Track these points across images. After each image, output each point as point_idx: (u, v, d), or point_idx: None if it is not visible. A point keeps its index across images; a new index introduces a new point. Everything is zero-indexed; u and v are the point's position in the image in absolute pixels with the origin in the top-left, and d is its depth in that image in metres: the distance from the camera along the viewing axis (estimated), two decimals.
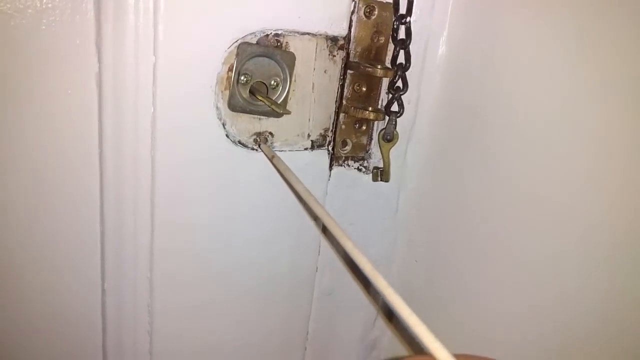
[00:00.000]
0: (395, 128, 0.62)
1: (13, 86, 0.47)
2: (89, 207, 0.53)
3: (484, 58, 0.59)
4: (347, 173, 0.65)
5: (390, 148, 0.63)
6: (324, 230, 0.67)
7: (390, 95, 0.61)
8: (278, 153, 0.58)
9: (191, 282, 0.59)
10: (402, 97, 0.60)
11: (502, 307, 0.63)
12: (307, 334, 0.72)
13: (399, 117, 0.61)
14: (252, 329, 0.67)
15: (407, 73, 0.60)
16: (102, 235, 0.54)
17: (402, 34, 0.59)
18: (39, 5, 0.45)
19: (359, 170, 0.66)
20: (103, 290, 0.57)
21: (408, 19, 0.57)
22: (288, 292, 0.67)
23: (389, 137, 0.62)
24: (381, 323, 0.77)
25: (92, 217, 0.53)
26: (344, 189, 0.66)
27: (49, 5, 0.45)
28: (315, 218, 0.65)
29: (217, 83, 0.52)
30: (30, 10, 0.45)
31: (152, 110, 0.50)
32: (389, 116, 0.61)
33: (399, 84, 0.60)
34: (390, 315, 0.76)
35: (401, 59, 0.59)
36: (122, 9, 0.47)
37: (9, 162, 0.49)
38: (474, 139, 0.61)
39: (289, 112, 0.52)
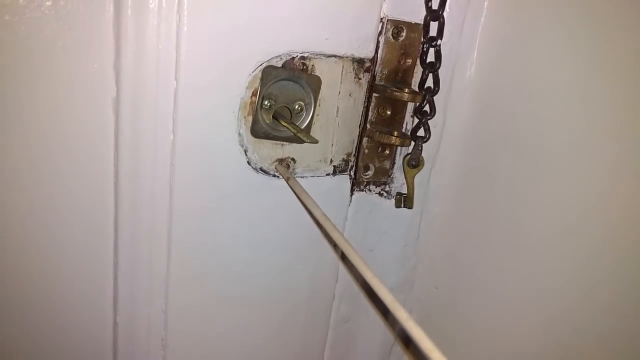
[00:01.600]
0: (421, 153, 0.59)
1: (27, 111, 0.44)
2: (103, 237, 0.50)
3: (516, 81, 0.57)
4: (368, 198, 0.63)
5: (416, 174, 0.60)
6: (343, 257, 0.64)
7: (417, 120, 0.58)
8: (299, 180, 0.56)
9: (207, 314, 0.56)
10: (428, 121, 0.58)
11: (529, 340, 0.61)
12: None
13: (425, 142, 0.58)
14: (268, 358, 0.64)
15: (434, 97, 0.57)
16: (116, 266, 0.51)
17: (431, 57, 0.56)
18: (55, 27, 0.42)
19: (381, 195, 0.63)
20: (115, 323, 0.54)
21: (438, 41, 0.54)
22: (305, 320, 0.65)
23: (414, 163, 0.59)
24: (398, 349, 0.74)
25: (105, 247, 0.50)
26: (364, 215, 0.63)
27: (66, 27, 0.42)
28: (334, 244, 0.62)
29: (240, 109, 0.49)
30: (46, 32, 0.42)
31: (172, 137, 0.47)
32: (414, 141, 0.58)
33: (427, 108, 0.57)
34: (407, 342, 0.73)
35: (429, 82, 0.57)
36: (143, 31, 0.44)
37: (20, 195, 0.46)
38: (502, 166, 0.59)
39: (316, 141, 0.49)
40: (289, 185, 0.53)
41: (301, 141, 0.53)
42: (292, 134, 0.51)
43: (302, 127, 0.53)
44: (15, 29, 0.41)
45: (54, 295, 0.51)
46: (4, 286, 0.49)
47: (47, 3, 0.41)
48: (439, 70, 0.56)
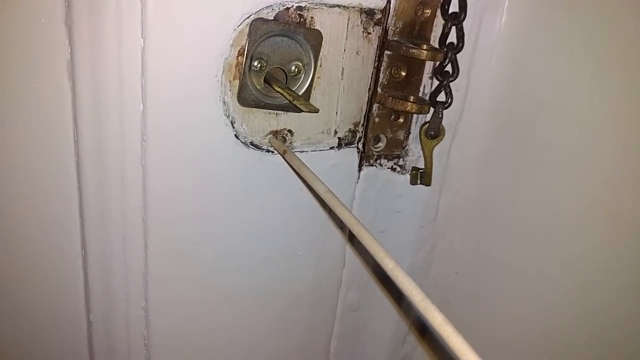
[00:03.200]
0: (442, 122, 0.50)
1: None
2: (67, 227, 0.43)
3: (556, 34, 0.48)
4: (378, 174, 0.54)
5: (435, 146, 0.52)
6: (350, 239, 0.57)
7: (437, 83, 0.49)
8: (298, 155, 0.47)
9: (196, 309, 0.49)
10: (450, 84, 0.49)
11: (558, 331, 0.54)
12: (329, 353, 0.63)
13: (446, 108, 0.50)
14: (268, 353, 0.57)
15: (457, 55, 0.48)
16: (84, 260, 0.44)
17: (454, 7, 0.47)
18: None
19: (393, 170, 0.55)
20: (89, 322, 0.47)
21: None
22: (309, 311, 0.58)
23: (433, 133, 0.51)
24: (412, 338, 0.67)
25: (70, 239, 0.43)
26: (374, 192, 0.55)
27: None
28: (341, 226, 0.55)
29: (223, 71, 0.41)
30: None
31: (142, 107, 0.39)
32: (434, 107, 0.50)
33: (448, 68, 0.48)
34: (423, 330, 0.66)
35: (452, 37, 0.48)
36: None
37: None
38: (537, 137, 0.50)
39: (316, 110, 0.41)
40: (286, 161, 0.45)
41: (299, 110, 0.44)
42: (288, 101, 0.43)
43: (300, 93, 0.45)
44: None
45: (20, 292, 0.45)
46: None
47: None
48: (464, 23, 0.47)
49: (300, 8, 0.42)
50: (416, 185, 0.56)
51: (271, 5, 0.40)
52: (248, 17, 0.40)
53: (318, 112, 0.41)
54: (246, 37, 0.40)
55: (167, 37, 0.38)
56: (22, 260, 0.43)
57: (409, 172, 0.55)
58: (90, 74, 0.38)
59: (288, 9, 0.41)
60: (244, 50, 0.41)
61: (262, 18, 0.40)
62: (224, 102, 0.42)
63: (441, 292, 0.63)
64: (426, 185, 0.54)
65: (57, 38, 0.37)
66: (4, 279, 0.43)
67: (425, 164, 0.53)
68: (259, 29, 0.41)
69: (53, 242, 0.43)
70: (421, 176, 0.54)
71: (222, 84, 0.41)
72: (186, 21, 0.38)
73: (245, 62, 0.41)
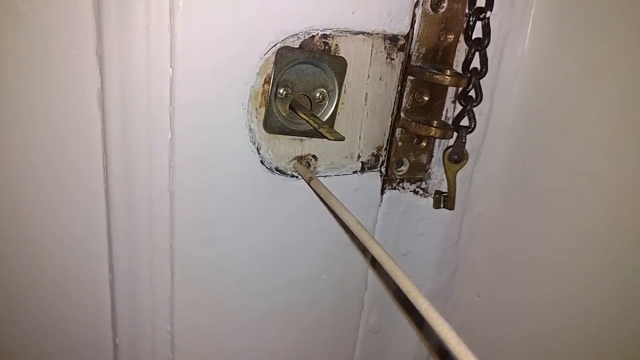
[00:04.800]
0: (465, 146, 0.50)
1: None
2: (95, 252, 0.43)
3: (580, 58, 0.48)
4: (401, 197, 0.54)
5: (458, 170, 0.52)
6: (373, 262, 0.57)
7: (460, 107, 0.49)
8: (322, 179, 0.48)
9: (220, 333, 0.49)
10: (473, 109, 0.49)
11: (584, 351, 0.53)
12: None
13: (470, 132, 0.50)
14: None
15: (481, 80, 0.48)
16: (112, 284, 0.45)
17: (477, 32, 0.47)
18: (20, 5, 0.34)
19: (416, 193, 0.55)
20: (115, 345, 0.47)
21: (488, 13, 0.45)
22: (331, 333, 0.57)
23: (457, 157, 0.51)
24: None
25: (98, 264, 0.44)
26: (397, 216, 0.55)
27: (34, 6, 0.35)
28: (363, 250, 0.55)
29: (250, 99, 0.41)
30: (10, 15, 0.34)
31: (170, 135, 0.40)
32: (457, 132, 0.50)
33: (472, 93, 0.48)
34: (444, 355, 0.66)
35: (475, 62, 0.48)
36: (129, 8, 0.36)
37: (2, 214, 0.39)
38: (561, 160, 0.50)
39: (342, 138, 0.41)
40: (311, 187, 0.45)
41: (324, 137, 0.45)
42: (314, 128, 0.43)
43: (325, 119, 0.45)
44: None
45: (49, 315, 0.45)
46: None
47: None
48: (487, 48, 0.47)
49: (325, 36, 0.42)
50: (438, 209, 0.55)
51: (297, 34, 0.41)
52: (274, 46, 0.40)
53: (344, 139, 0.41)
54: (272, 65, 0.41)
55: (195, 66, 0.38)
56: (51, 284, 0.44)
57: (432, 196, 0.55)
58: (120, 102, 0.39)
59: (313, 37, 0.42)
60: (270, 78, 0.41)
61: (288, 46, 0.41)
62: (250, 129, 0.42)
63: (463, 315, 0.62)
64: (449, 209, 0.53)
65: (89, 68, 0.38)
66: (33, 303, 0.44)
67: (449, 188, 0.53)
68: (285, 57, 0.41)
69: (81, 267, 0.44)
70: (444, 200, 0.53)
71: (248, 112, 0.42)
72: (214, 50, 0.38)
73: (271, 89, 0.42)
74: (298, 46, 0.41)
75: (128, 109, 0.39)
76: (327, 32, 0.42)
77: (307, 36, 0.41)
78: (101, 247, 0.44)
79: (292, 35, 0.41)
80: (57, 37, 0.36)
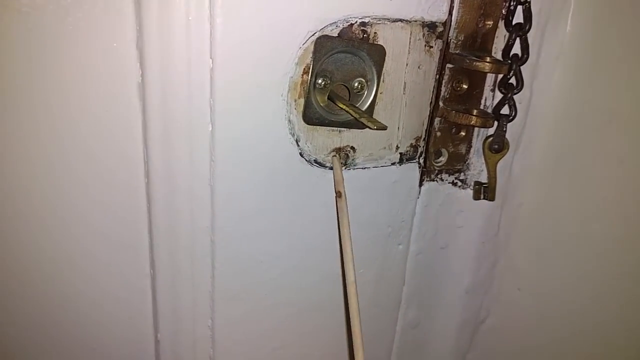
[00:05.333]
0: (505, 135, 0.49)
1: (34, 101, 0.37)
2: (136, 246, 0.43)
3: (627, 42, 0.46)
4: (439, 189, 0.53)
5: (499, 160, 0.50)
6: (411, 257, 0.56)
7: (500, 95, 0.48)
8: (360, 170, 0.47)
9: (259, 327, 0.49)
10: (514, 96, 0.48)
11: (628, 344, 0.51)
12: None
13: (510, 121, 0.48)
14: None
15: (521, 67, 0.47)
16: (153, 279, 0.45)
17: (518, 18, 0.46)
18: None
19: (454, 184, 0.54)
20: (157, 341, 0.47)
21: None
22: (369, 327, 0.56)
23: (497, 147, 0.49)
24: (472, 357, 0.65)
25: (139, 259, 0.44)
26: (435, 208, 0.54)
27: (76, 0, 0.35)
28: (400, 243, 0.54)
29: (289, 90, 0.41)
30: (51, 6, 0.34)
31: (210, 128, 0.40)
32: (498, 121, 0.49)
33: (512, 80, 0.47)
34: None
35: (516, 49, 0.46)
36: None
37: (41, 206, 0.39)
38: (608, 149, 0.48)
39: (384, 127, 0.40)
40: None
41: (363, 126, 0.44)
42: (351, 117, 0.43)
43: (364, 109, 0.44)
44: (14, 4, 0.34)
45: (91, 313, 0.45)
46: (39, 307, 0.43)
47: None
48: (528, 33, 0.46)
49: (363, 24, 0.41)
50: (478, 201, 0.54)
51: (335, 22, 0.40)
52: (313, 35, 0.40)
53: (386, 129, 0.41)
54: (311, 55, 0.40)
55: (235, 58, 0.38)
56: (92, 281, 0.44)
57: (470, 187, 0.54)
58: (160, 95, 0.39)
59: (352, 25, 0.41)
60: (309, 68, 0.41)
61: (326, 35, 0.40)
62: (289, 121, 0.42)
63: (503, 309, 0.61)
64: (490, 200, 0.52)
65: (129, 61, 0.38)
66: (75, 300, 0.44)
67: (489, 179, 0.51)
68: (324, 46, 0.40)
69: (123, 263, 0.44)
70: (484, 191, 0.52)
71: (287, 103, 0.41)
72: (253, 41, 0.38)
73: (310, 80, 0.41)
74: (337, 35, 0.41)
75: (168, 101, 0.38)
76: (366, 20, 0.41)
77: (345, 24, 0.41)
78: (142, 243, 0.43)
79: (331, 24, 0.40)
80: (98, 30, 0.36)
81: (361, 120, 0.40)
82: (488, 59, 0.45)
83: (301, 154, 0.43)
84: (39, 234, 0.41)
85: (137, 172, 0.41)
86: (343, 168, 0.46)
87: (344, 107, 0.42)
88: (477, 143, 0.52)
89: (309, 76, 0.41)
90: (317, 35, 0.40)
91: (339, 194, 0.43)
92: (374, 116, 0.45)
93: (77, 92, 0.38)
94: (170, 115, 0.39)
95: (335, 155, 0.46)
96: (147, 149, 0.40)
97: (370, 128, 0.40)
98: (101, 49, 0.36)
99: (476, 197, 0.53)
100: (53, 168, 0.40)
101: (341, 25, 0.41)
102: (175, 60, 0.37)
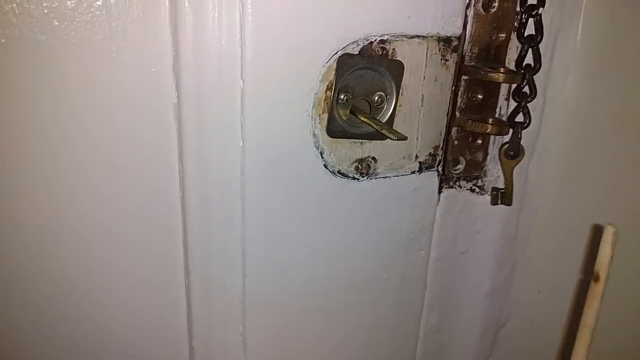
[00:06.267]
0: (520, 142, 0.51)
1: (81, 122, 0.40)
2: (172, 256, 0.46)
3: (633, 50, 0.48)
4: (458, 195, 0.55)
5: (515, 165, 0.52)
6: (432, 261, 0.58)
7: (514, 104, 0.50)
8: (381, 180, 0.49)
9: (287, 334, 0.51)
10: (528, 104, 0.50)
11: None
12: None
13: (525, 128, 0.50)
14: None
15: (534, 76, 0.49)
16: (188, 288, 0.47)
17: (530, 29, 0.48)
18: (107, 29, 0.37)
19: (472, 191, 0.56)
20: (191, 348, 0.49)
21: (540, 10, 0.46)
22: (393, 332, 0.58)
23: (513, 153, 0.51)
24: (495, 358, 0.67)
25: (175, 268, 0.46)
26: (454, 214, 0.56)
27: (119, 29, 0.37)
28: (421, 248, 0.56)
29: (314, 106, 0.43)
30: (98, 37, 0.37)
31: (241, 143, 0.42)
32: (513, 128, 0.50)
33: (526, 89, 0.49)
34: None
35: (528, 59, 0.49)
36: (203, 26, 0.39)
37: (81, 221, 0.42)
38: (622, 151, 0.50)
39: (405, 138, 0.42)
40: None
41: (383, 137, 0.46)
42: (372, 129, 0.45)
43: (384, 121, 0.46)
44: (64, 36, 0.37)
45: (130, 321, 0.48)
46: (78, 316, 0.45)
47: (97, 3, 0.37)
48: (540, 44, 0.48)
49: (382, 41, 0.44)
50: (495, 206, 0.56)
51: (356, 41, 0.43)
52: (335, 54, 0.42)
53: (406, 139, 0.43)
54: (334, 73, 0.43)
55: (263, 78, 0.41)
56: (130, 291, 0.46)
57: (488, 193, 0.56)
58: (195, 114, 0.41)
59: (372, 42, 0.43)
60: (332, 85, 0.43)
61: (348, 53, 0.43)
62: (314, 135, 0.44)
63: (523, 312, 0.63)
64: (507, 205, 0.54)
65: (166, 84, 0.40)
66: (113, 310, 0.47)
67: (506, 184, 0.53)
68: (346, 64, 0.43)
69: (159, 273, 0.46)
70: (502, 196, 0.54)
71: (312, 118, 0.43)
72: (280, 61, 0.41)
73: (333, 95, 0.43)
74: (357, 52, 0.43)
75: (202, 120, 0.41)
76: (385, 38, 0.44)
77: (365, 42, 0.43)
78: (177, 253, 0.46)
79: (352, 43, 0.43)
80: (139, 57, 0.39)
81: (382, 132, 0.42)
82: (502, 70, 0.48)
83: (325, 166, 0.46)
84: (81, 248, 0.44)
85: (173, 186, 0.43)
86: (364, 178, 0.48)
87: (365, 120, 0.44)
88: (493, 150, 0.54)
89: (332, 92, 0.43)
90: (339, 53, 0.42)
91: (596, 277, 0.37)
92: (394, 127, 0.47)
93: (119, 112, 0.41)
94: (203, 132, 0.42)
95: (358, 166, 0.48)
96: (182, 164, 0.43)
97: (391, 139, 0.42)
98: (141, 74, 0.39)
99: (494, 202, 0.55)
100: (94, 182, 0.42)
101: (362, 44, 0.43)
102: (209, 82, 0.40)
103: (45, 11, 0.36)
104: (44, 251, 0.43)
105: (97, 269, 0.45)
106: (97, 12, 0.37)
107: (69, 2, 0.36)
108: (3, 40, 0.35)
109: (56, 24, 0.36)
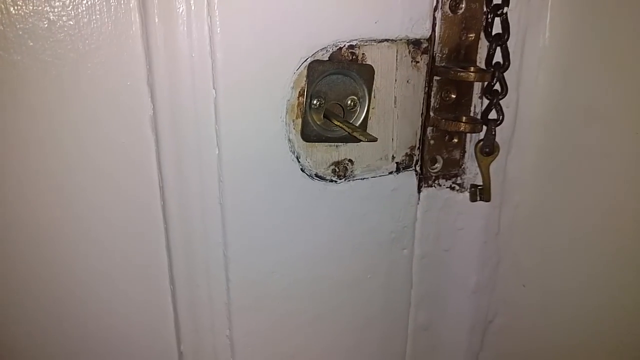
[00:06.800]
0: (495, 138, 0.52)
1: (60, 138, 0.41)
2: (156, 265, 0.47)
3: (600, 43, 0.49)
4: (438, 194, 0.56)
5: (490, 162, 0.53)
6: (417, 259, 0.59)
7: (487, 101, 0.51)
8: (359, 182, 0.50)
9: (275, 336, 0.52)
10: (500, 101, 0.51)
11: (629, 331, 0.53)
12: None
13: (498, 125, 0.51)
14: None
15: (504, 73, 0.50)
16: (173, 295, 0.48)
17: (497, 28, 0.49)
18: (81, 47, 0.39)
19: (452, 189, 0.57)
20: (180, 353, 0.50)
21: (505, 9, 0.47)
22: (381, 332, 0.59)
23: (488, 150, 0.52)
24: (486, 355, 0.67)
25: (160, 276, 0.47)
26: (436, 212, 0.57)
27: (93, 47, 0.39)
28: (405, 247, 0.57)
29: (287, 112, 0.44)
30: (72, 55, 0.39)
31: (217, 151, 0.43)
32: (486, 125, 0.51)
33: (497, 87, 0.50)
34: None
35: (497, 57, 0.50)
36: (173, 39, 0.40)
37: (64, 228, 0.43)
38: (592, 144, 0.51)
39: (375, 139, 0.44)
40: None
41: (358, 140, 0.47)
42: (347, 133, 0.46)
43: (358, 124, 0.48)
44: (39, 56, 0.38)
45: (121, 330, 0.49)
46: (69, 324, 0.47)
47: (70, 22, 0.38)
48: (508, 42, 0.49)
49: (352, 47, 0.45)
50: (475, 202, 0.57)
51: (325, 47, 0.44)
52: (305, 60, 0.44)
53: (377, 140, 0.44)
54: (305, 79, 0.44)
55: (235, 86, 0.42)
56: (118, 299, 0.47)
57: (468, 190, 0.57)
58: (171, 125, 0.43)
59: (341, 48, 0.45)
60: (304, 91, 0.44)
61: (317, 60, 0.44)
62: (289, 140, 0.45)
63: (510, 307, 0.63)
64: (486, 201, 0.55)
65: (141, 97, 0.42)
66: (102, 317, 0.48)
67: (484, 180, 0.54)
68: (316, 70, 0.44)
69: (144, 281, 0.47)
70: (480, 192, 0.55)
71: (286, 124, 0.45)
72: (251, 70, 0.42)
73: (305, 101, 0.45)
74: (327, 58, 0.44)
75: (178, 130, 0.42)
76: (354, 43, 0.45)
77: (335, 49, 0.44)
78: (161, 261, 0.47)
79: (321, 49, 0.44)
80: (114, 71, 0.40)
81: (354, 135, 0.44)
82: (472, 69, 0.49)
83: (302, 170, 0.47)
84: (67, 257, 0.45)
85: (153, 196, 0.45)
86: (342, 180, 0.49)
87: (338, 123, 0.45)
88: (470, 148, 0.55)
89: (305, 98, 0.45)
90: (309, 60, 0.44)
91: None
92: (368, 129, 0.49)
93: (97, 126, 0.42)
94: (180, 142, 0.43)
95: (335, 169, 0.49)
96: (162, 174, 0.44)
97: (362, 140, 0.43)
98: (117, 88, 0.41)
99: (472, 199, 0.56)
100: (76, 196, 0.44)
101: (331, 50, 0.44)
102: (182, 92, 0.41)
103: (20, 32, 0.37)
104: (39, 256, 0.44)
105: (88, 277, 0.46)
106: (71, 32, 0.38)
107: (42, 23, 0.37)
108: None
109: (31, 44, 0.38)
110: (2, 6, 0.36)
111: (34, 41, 0.38)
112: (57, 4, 0.37)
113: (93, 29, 0.39)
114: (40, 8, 0.37)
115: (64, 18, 0.38)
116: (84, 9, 0.38)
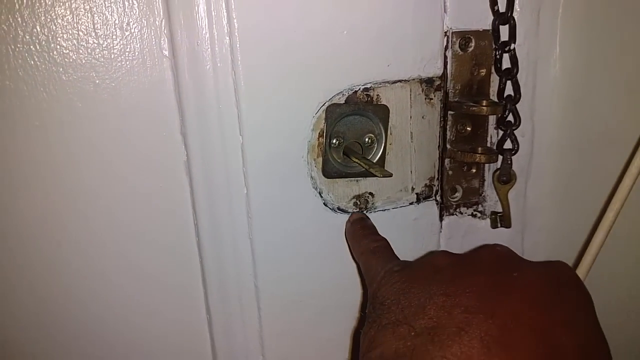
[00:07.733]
0: (512, 167, 0.54)
1: (104, 190, 0.46)
2: (193, 296, 0.51)
3: (609, 70, 0.51)
4: (460, 222, 0.58)
5: (508, 190, 0.55)
6: None
7: (502, 132, 0.53)
8: (381, 213, 0.53)
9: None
10: (514, 132, 0.53)
11: None
12: None
13: (513, 154, 0.53)
14: None
15: (517, 105, 0.52)
16: (210, 326, 0.52)
17: (506, 63, 0.51)
18: (122, 104, 0.44)
19: (474, 216, 0.59)
20: None
21: (512, 45, 0.50)
22: None
23: (505, 179, 0.54)
24: None
25: (197, 307, 0.51)
26: (459, 240, 0.59)
27: (132, 103, 0.44)
28: None
29: (308, 152, 0.48)
30: (114, 112, 0.44)
31: (245, 190, 0.47)
32: (502, 155, 0.53)
33: (510, 118, 0.52)
34: None
35: (509, 90, 0.52)
36: (202, 93, 0.45)
37: (111, 266, 0.48)
38: (610, 168, 0.52)
39: (390, 175, 0.46)
40: None
41: (375, 175, 0.50)
42: (365, 169, 0.49)
43: (376, 160, 0.51)
44: (88, 113, 0.43)
45: (155, 354, 0.53)
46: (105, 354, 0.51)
47: (112, 84, 0.43)
48: (518, 76, 0.51)
49: (366, 89, 0.48)
50: (499, 228, 0.58)
51: (341, 91, 0.48)
52: (323, 105, 0.47)
53: (391, 176, 0.47)
54: (324, 121, 0.48)
55: (260, 132, 0.46)
56: (155, 331, 0.51)
57: (489, 217, 0.58)
58: (202, 169, 0.47)
59: (356, 92, 0.48)
60: (323, 132, 0.48)
61: (335, 103, 0.48)
62: (312, 177, 0.49)
63: None
64: (506, 227, 0.57)
65: (176, 145, 0.46)
66: (142, 346, 0.52)
67: (503, 208, 0.56)
68: (334, 113, 0.48)
69: (183, 311, 0.51)
70: (500, 219, 0.57)
71: (308, 163, 0.48)
72: (273, 117, 0.46)
73: (325, 141, 0.48)
74: (344, 101, 0.48)
75: (210, 173, 0.47)
76: (368, 86, 0.48)
77: (350, 92, 0.48)
78: (198, 293, 0.51)
79: (338, 93, 0.47)
80: (151, 123, 0.45)
81: (370, 171, 0.47)
82: (484, 102, 0.51)
83: (325, 204, 0.50)
84: (108, 290, 0.49)
85: (189, 233, 0.49)
86: (364, 211, 0.52)
87: (356, 160, 0.49)
88: (489, 177, 0.57)
89: (324, 138, 0.48)
90: (326, 104, 0.47)
91: None
92: (387, 163, 0.51)
93: (138, 174, 0.47)
94: (212, 183, 0.47)
95: (357, 202, 0.52)
96: (196, 213, 0.48)
97: (378, 176, 0.46)
98: (154, 138, 0.45)
99: (493, 225, 0.57)
100: (122, 235, 0.48)
101: (347, 93, 0.48)
102: (212, 140, 0.46)
103: (70, 96, 0.42)
104: (80, 285, 0.49)
105: (127, 312, 0.51)
106: (113, 92, 0.43)
107: (88, 87, 0.43)
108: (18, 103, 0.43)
109: (80, 105, 0.43)
110: (56, 75, 0.41)
111: (82, 102, 0.43)
112: (100, 69, 0.42)
113: (132, 88, 0.44)
114: (86, 74, 0.42)
115: (107, 80, 0.43)
116: (124, 71, 0.43)
